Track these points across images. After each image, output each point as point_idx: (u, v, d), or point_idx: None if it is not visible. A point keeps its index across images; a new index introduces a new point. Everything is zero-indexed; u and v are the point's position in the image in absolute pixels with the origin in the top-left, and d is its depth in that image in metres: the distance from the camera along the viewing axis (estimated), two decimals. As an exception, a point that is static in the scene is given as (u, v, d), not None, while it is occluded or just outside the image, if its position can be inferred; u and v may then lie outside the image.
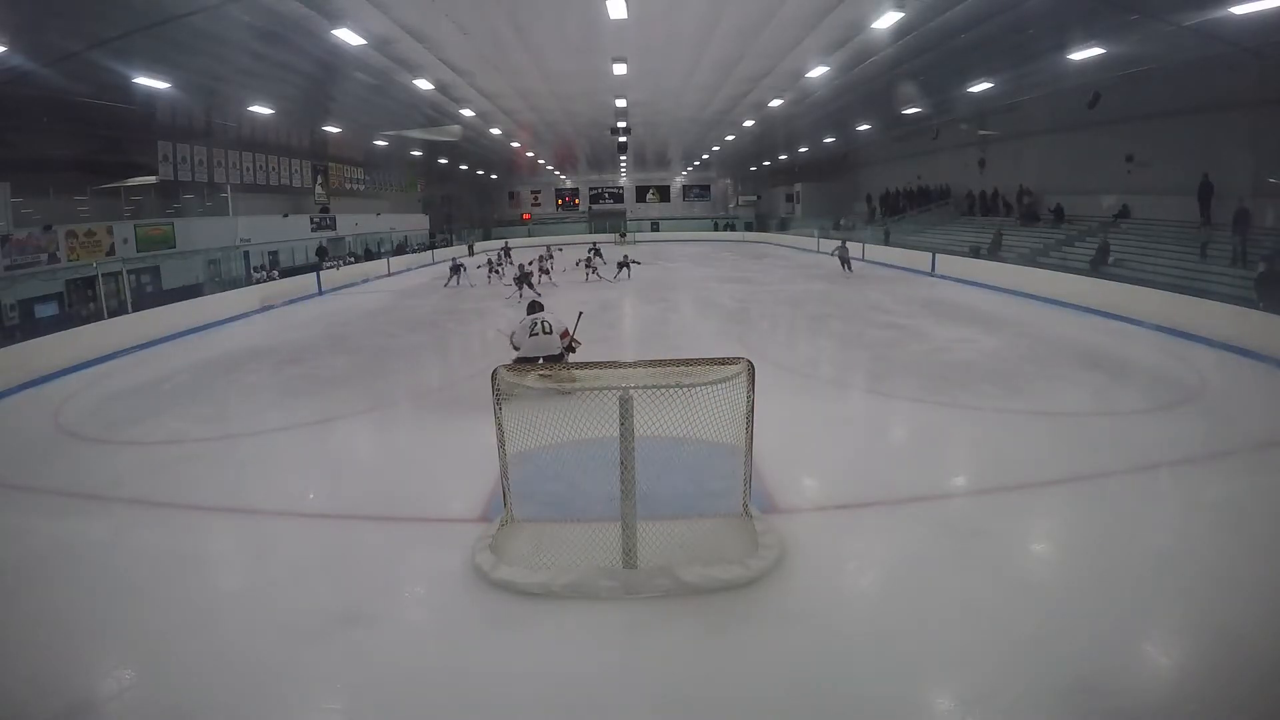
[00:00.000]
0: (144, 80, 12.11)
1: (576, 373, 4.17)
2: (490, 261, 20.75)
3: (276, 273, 19.75)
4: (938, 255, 18.82)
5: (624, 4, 10.36)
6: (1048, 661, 2.96)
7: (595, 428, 3.87)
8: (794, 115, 21.47)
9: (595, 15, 11.16)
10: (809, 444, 5.86)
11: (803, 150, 31.14)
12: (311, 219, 24.42)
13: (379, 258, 25.89)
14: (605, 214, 43.83)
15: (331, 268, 21.74)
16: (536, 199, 44.14)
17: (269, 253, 21.47)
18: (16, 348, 9.73)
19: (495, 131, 24.12)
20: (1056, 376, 7.78)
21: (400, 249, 29.48)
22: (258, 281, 18.20)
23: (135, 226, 16.33)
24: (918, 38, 12.37)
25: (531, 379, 4.21)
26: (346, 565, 4.00)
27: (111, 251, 15.23)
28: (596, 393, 3.80)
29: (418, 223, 34.20)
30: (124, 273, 13.81)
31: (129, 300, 13.44)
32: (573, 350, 7.41)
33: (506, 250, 23.44)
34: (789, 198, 38.38)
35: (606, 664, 3.09)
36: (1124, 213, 16.21)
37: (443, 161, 31.14)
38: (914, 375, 7.93)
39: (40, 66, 10.52)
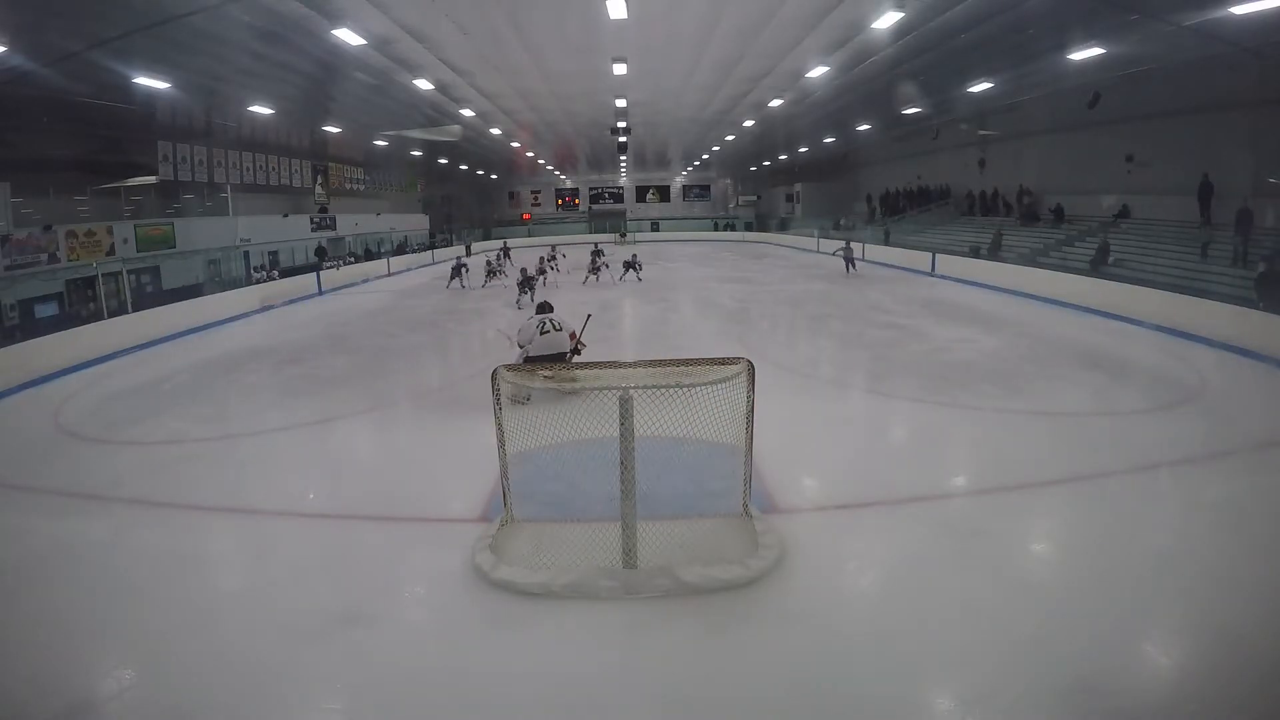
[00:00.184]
0: (144, 80, 12.11)
1: (577, 372, 4.17)
2: (489, 263, 19.94)
3: (276, 273, 19.74)
4: (938, 255, 18.81)
5: (624, 4, 10.36)
6: (1048, 661, 2.96)
7: (595, 428, 3.87)
8: (794, 115, 21.47)
9: (595, 15, 11.16)
10: (809, 444, 5.86)
11: (803, 150, 31.15)
12: (311, 219, 24.42)
13: (379, 258, 25.89)
14: (605, 214, 43.83)
15: (331, 268, 21.74)
16: (536, 199, 44.15)
17: (269, 253, 21.46)
18: (16, 348, 9.73)
19: (495, 131, 24.13)
20: (1056, 376, 7.77)
21: (400, 249, 29.47)
22: (258, 281, 18.19)
23: (135, 226, 16.33)
24: (918, 38, 12.38)
25: (538, 379, 4.21)
26: (346, 565, 4.00)
27: (111, 251, 15.24)
28: (596, 393, 3.80)
29: (418, 223, 34.20)
30: (124, 273, 13.81)
31: (129, 300, 13.44)
32: (578, 352, 7.40)
33: (506, 251, 22.93)
34: (789, 198, 38.38)
35: (606, 664, 3.09)
36: (1124, 213, 16.21)
37: (443, 161, 31.14)
38: (914, 375, 7.93)
39: (40, 66, 10.52)
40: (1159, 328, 10.26)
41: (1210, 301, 10.04)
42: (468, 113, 19.62)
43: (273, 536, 4.47)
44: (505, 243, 27.35)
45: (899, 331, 10.68)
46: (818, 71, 15.18)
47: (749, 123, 23.02)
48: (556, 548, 3.83)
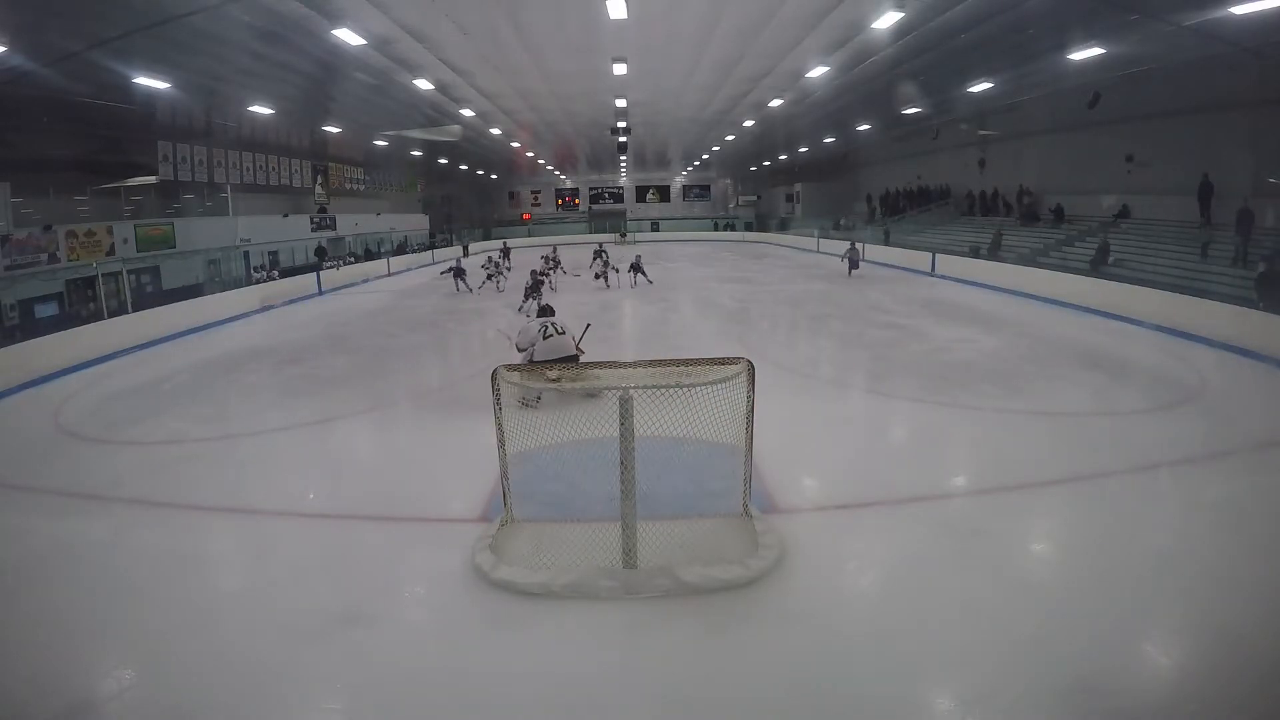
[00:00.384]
0: (144, 80, 12.12)
1: (592, 371, 4.17)
2: (488, 262, 19.10)
3: (276, 273, 19.74)
4: (938, 255, 18.81)
5: (624, 4, 10.36)
6: (1048, 661, 2.96)
7: (595, 428, 3.87)
8: (794, 115, 21.47)
9: (595, 15, 11.16)
10: (809, 444, 5.86)
11: (803, 150, 31.15)
12: (311, 219, 24.41)
13: (379, 258, 25.89)
14: (605, 214, 43.83)
15: (331, 268, 21.73)
16: (536, 199, 44.15)
17: (269, 253, 21.46)
18: (16, 348, 9.73)
19: (495, 131, 24.13)
20: (1056, 376, 7.77)
21: (400, 249, 29.46)
22: (258, 281, 18.19)
23: (135, 226, 16.33)
24: (918, 38, 12.38)
25: (538, 379, 4.21)
26: (346, 565, 4.00)
27: (111, 251, 15.24)
28: (605, 393, 3.79)
29: (418, 223, 34.20)
30: (124, 273, 13.80)
31: (129, 300, 13.43)
32: (575, 360, 7.35)
33: (506, 251, 22.27)
34: (789, 198, 38.38)
35: (606, 664, 3.09)
36: (1124, 213, 16.21)
37: (443, 161, 31.14)
38: (914, 375, 7.93)
39: (40, 66, 10.53)
40: (1159, 328, 10.26)
41: (1210, 301, 10.04)
42: (468, 113, 19.61)
43: (273, 536, 4.47)
44: (505, 243, 27.00)
45: (899, 331, 10.68)
46: (818, 71, 15.18)
47: (749, 123, 23.02)
48: (556, 548, 3.83)
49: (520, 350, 7.23)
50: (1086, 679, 2.83)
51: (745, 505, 4.24)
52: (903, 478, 5.02)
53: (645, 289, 16.87)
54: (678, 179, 44.04)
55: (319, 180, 24.79)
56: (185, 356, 10.74)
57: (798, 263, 24.13)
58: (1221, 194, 13.34)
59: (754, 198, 42.35)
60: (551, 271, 18.22)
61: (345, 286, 20.58)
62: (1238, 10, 9.41)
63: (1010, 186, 20.90)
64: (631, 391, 3.61)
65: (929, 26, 11.70)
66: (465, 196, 40.62)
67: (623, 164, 36.16)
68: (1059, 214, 18.19)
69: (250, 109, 15.87)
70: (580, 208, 44.39)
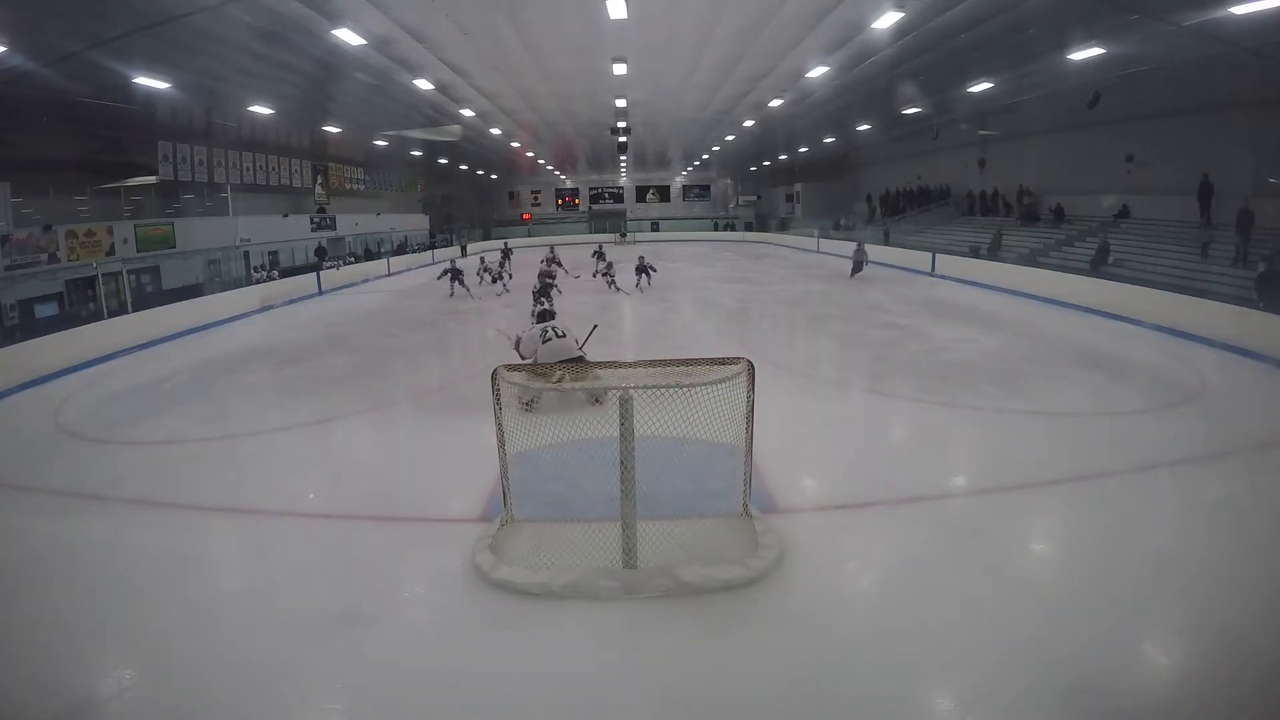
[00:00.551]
0: (144, 80, 12.11)
1: (576, 372, 4.17)
2: (487, 268, 18.36)
3: (276, 273, 19.74)
4: (938, 255, 18.81)
5: (624, 4, 10.36)
6: (1048, 661, 2.96)
7: (595, 428, 3.87)
8: (794, 115, 21.46)
9: (595, 15, 11.16)
10: (809, 444, 5.86)
11: (803, 150, 31.14)
12: (311, 219, 24.41)
13: (379, 258, 25.89)
14: (605, 214, 43.82)
15: (331, 268, 21.72)
16: (536, 199, 44.14)
17: (269, 253, 21.46)
18: (16, 348, 9.73)
19: (495, 131, 24.12)
20: (1056, 376, 7.78)
21: (400, 249, 29.46)
22: (258, 281, 18.19)
23: (135, 226, 16.32)
24: (918, 38, 12.37)
25: (539, 380, 4.20)
26: (346, 565, 4.00)
27: (111, 251, 15.23)
28: (608, 395, 3.79)
29: (418, 223, 34.19)
30: (124, 273, 13.81)
31: (129, 300, 13.43)
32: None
33: (507, 253, 21.66)
34: (789, 198, 38.38)
35: (606, 664, 3.09)
36: (1124, 213, 16.21)
37: (443, 161, 31.13)
38: (914, 375, 7.94)
39: (40, 66, 10.52)
40: (1159, 328, 10.26)
41: (1210, 301, 10.04)
42: (468, 113, 19.61)
43: (273, 536, 4.48)
44: (507, 243, 26.22)
45: (899, 331, 10.68)
46: (818, 71, 15.17)
47: (749, 123, 23.02)
48: (556, 548, 3.83)
49: (524, 359, 7.12)
50: (1086, 679, 2.83)
51: (745, 505, 4.24)
52: (903, 478, 5.02)
53: (646, 289, 16.68)
54: (678, 179, 44.03)
55: (319, 180, 24.79)
56: (185, 356, 10.74)
57: (798, 263, 24.12)
58: (1221, 194, 13.33)
59: (754, 198, 42.34)
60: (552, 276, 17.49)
61: (345, 286, 20.58)
62: (1238, 10, 9.41)
63: (1010, 186, 20.89)
64: (631, 391, 3.62)
65: (929, 26, 11.70)
66: (465, 196, 40.61)
67: (623, 164, 36.15)
68: (1059, 214, 18.19)
69: (250, 109, 15.86)
70: (580, 208, 44.38)
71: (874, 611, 3.47)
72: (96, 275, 13.71)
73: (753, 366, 3.89)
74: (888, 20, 11.35)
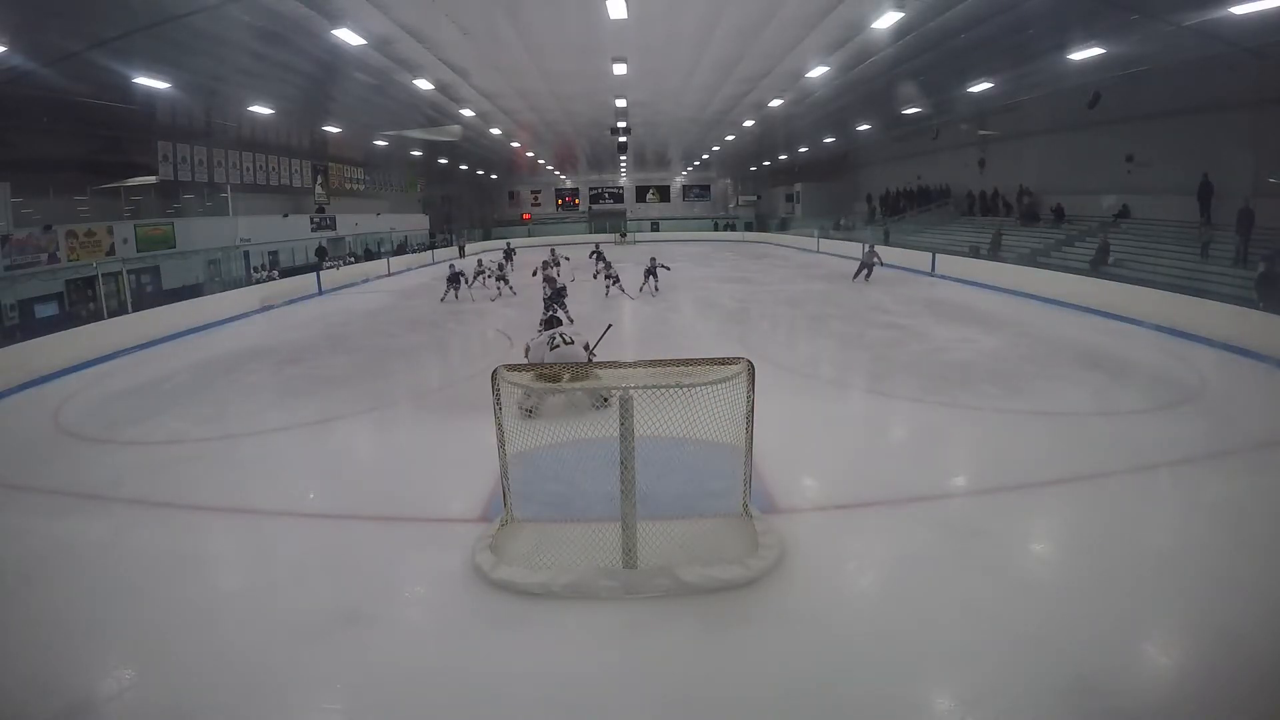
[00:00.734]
0: (144, 80, 12.11)
1: (576, 372, 4.17)
2: (499, 260, 17.65)
3: (276, 273, 19.74)
4: (938, 255, 18.80)
5: (624, 4, 10.36)
6: (1048, 661, 2.96)
7: (595, 428, 3.87)
8: (794, 115, 21.46)
9: (595, 15, 11.16)
10: (809, 444, 5.86)
11: (803, 150, 31.14)
12: (311, 219, 24.41)
13: (379, 258, 25.89)
14: (605, 214, 43.82)
15: (331, 268, 21.72)
16: (536, 199, 44.13)
17: (269, 253, 21.46)
18: (16, 348, 9.73)
19: (495, 131, 24.12)
20: (1056, 376, 7.77)
21: (400, 249, 29.45)
22: (258, 281, 18.19)
23: (135, 226, 16.33)
24: (918, 38, 12.37)
25: (542, 384, 4.19)
26: (346, 565, 4.00)
27: (111, 251, 15.24)
28: (610, 398, 3.79)
29: (418, 223, 34.18)
30: (124, 273, 13.80)
31: (129, 300, 13.43)
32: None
33: (510, 254, 21.01)
34: (789, 198, 38.38)
35: (606, 664, 3.09)
36: (1124, 213, 16.21)
37: (443, 161, 31.13)
38: (914, 375, 7.94)
39: (40, 66, 10.52)
40: (1159, 328, 10.26)
41: (1210, 301, 10.04)
42: (468, 113, 19.61)
43: (273, 536, 4.48)
44: (509, 244, 25.64)
45: (899, 331, 10.68)
46: (818, 71, 15.17)
47: (749, 123, 23.02)
48: (556, 548, 3.83)
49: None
50: (1086, 679, 2.83)
51: (745, 505, 4.24)
52: (903, 478, 5.02)
53: (654, 294, 15.67)
54: (678, 179, 44.03)
55: (319, 180, 24.78)
56: (185, 356, 10.74)
57: (798, 263, 24.12)
58: (1221, 194, 13.33)
59: (754, 198, 42.34)
60: (556, 273, 15.96)
61: (345, 286, 20.58)
62: (1238, 10, 9.41)
63: (1010, 186, 20.89)
64: (631, 391, 3.62)
65: (929, 26, 11.70)
66: (465, 196, 40.60)
67: (623, 164, 36.15)
68: (1059, 214, 18.18)
69: (250, 109, 15.86)
70: (580, 208, 44.38)
71: (874, 611, 3.47)
72: (96, 275, 13.71)
73: (753, 366, 3.89)
74: (888, 20, 11.36)
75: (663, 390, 3.68)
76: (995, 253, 17.63)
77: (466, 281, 16.15)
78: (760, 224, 40.51)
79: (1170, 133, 14.58)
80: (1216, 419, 6.29)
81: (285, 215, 22.88)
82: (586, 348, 6.96)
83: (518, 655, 3.14)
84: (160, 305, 13.79)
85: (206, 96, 14.53)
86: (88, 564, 4.14)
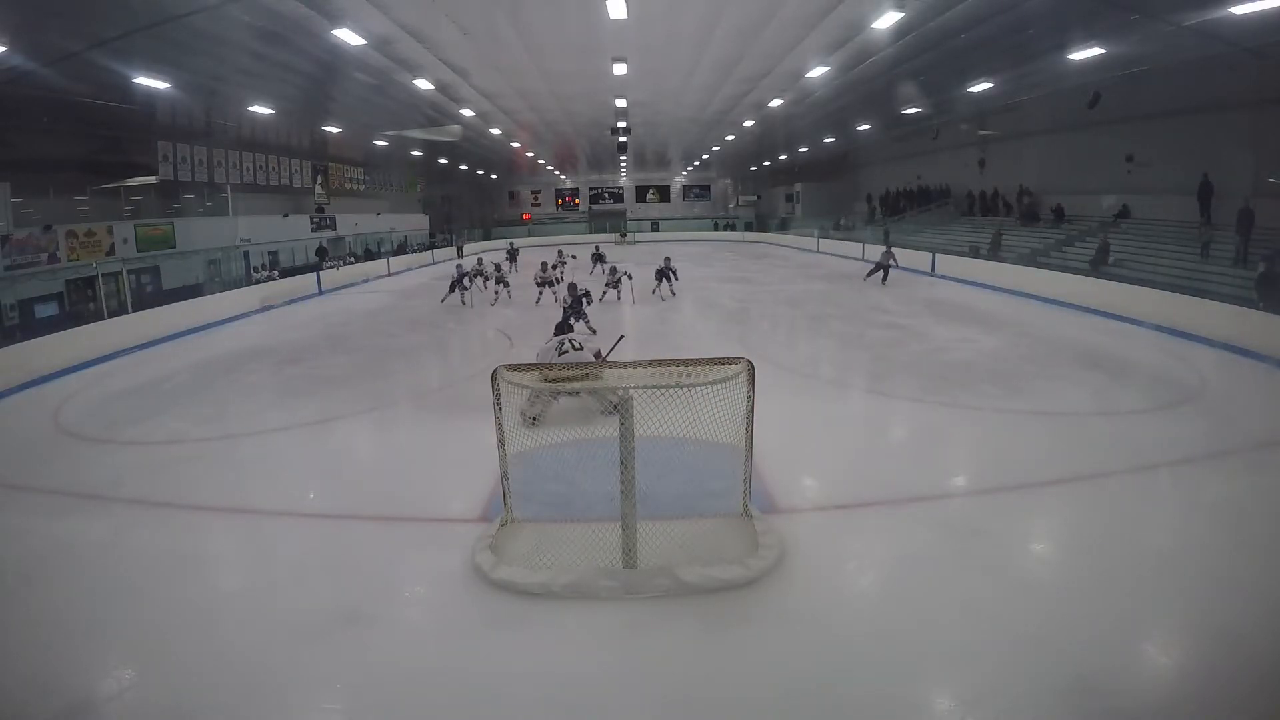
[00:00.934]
0: (144, 80, 12.12)
1: (575, 373, 4.17)
2: (497, 263, 16.89)
3: (276, 273, 19.73)
4: (938, 255, 18.81)
5: (624, 4, 10.36)
6: (1048, 661, 2.96)
7: (595, 428, 3.87)
8: (794, 115, 21.46)
9: (595, 15, 11.16)
10: (809, 444, 5.86)
11: (803, 150, 31.14)
12: (311, 219, 24.41)
13: (379, 258, 25.88)
14: (605, 214, 43.82)
15: (331, 268, 21.72)
16: (536, 199, 44.14)
17: (269, 253, 21.47)
18: (16, 348, 9.72)
19: (495, 131, 24.13)
20: (1056, 376, 7.78)
21: (400, 249, 29.44)
22: (258, 281, 18.18)
23: (135, 226, 16.33)
24: (918, 38, 12.37)
25: (546, 390, 4.17)
26: (346, 565, 4.00)
27: (111, 251, 15.24)
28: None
29: (418, 223, 34.17)
30: (124, 273, 13.80)
31: (129, 300, 13.42)
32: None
33: (513, 254, 20.57)
34: (789, 198, 38.38)
35: (606, 664, 3.09)
36: (1124, 213, 16.21)
37: (443, 161, 31.13)
38: (914, 375, 7.94)
39: (40, 66, 10.53)
40: (1159, 328, 10.26)
41: (1210, 301, 10.04)
42: (468, 113, 19.61)
43: (273, 536, 4.48)
44: (513, 243, 25.02)
45: (899, 331, 10.68)
46: (818, 71, 15.17)
47: (749, 123, 23.02)
48: (556, 548, 3.83)
49: None
50: (1086, 679, 2.83)
51: (745, 505, 4.24)
52: (903, 478, 5.02)
53: (644, 288, 14.97)
54: (678, 179, 44.03)
55: (319, 180, 24.79)
56: (185, 356, 10.74)
57: (798, 263, 24.12)
58: (1221, 194, 13.33)
59: (754, 198, 42.34)
60: (556, 283, 14.95)
61: (345, 286, 20.58)
62: (1238, 10, 9.41)
63: (1010, 186, 20.90)
64: (631, 391, 3.62)
65: (929, 26, 11.70)
66: (465, 196, 40.60)
67: (623, 164, 36.14)
68: (1059, 214, 18.19)
69: (250, 109, 15.86)
70: (580, 208, 44.38)
71: (874, 611, 3.47)
72: (96, 275, 13.71)
73: (753, 366, 3.89)
74: (888, 20, 11.36)
75: (663, 390, 3.67)
76: (995, 253, 17.63)
77: (467, 286, 15.41)
78: (760, 224, 40.52)
79: (1170, 133, 14.58)
80: (1216, 419, 6.29)
81: (285, 215, 22.88)
82: (597, 355, 6.83)
83: (518, 655, 3.14)
84: (160, 305, 13.77)
85: (206, 96, 14.53)
86: (88, 564, 4.13)
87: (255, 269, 19.97)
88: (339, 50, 12.15)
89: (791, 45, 13.54)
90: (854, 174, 32.70)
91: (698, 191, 44.41)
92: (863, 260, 21.70)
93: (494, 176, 40.31)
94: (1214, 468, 5.17)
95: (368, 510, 4.73)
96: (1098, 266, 14.14)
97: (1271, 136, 12.43)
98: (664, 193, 44.39)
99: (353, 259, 24.59)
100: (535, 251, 24.37)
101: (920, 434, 6.22)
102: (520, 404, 4.66)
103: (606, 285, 14.72)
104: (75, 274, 14.27)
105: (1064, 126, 17.76)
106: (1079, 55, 12.58)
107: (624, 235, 40.87)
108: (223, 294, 15.83)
